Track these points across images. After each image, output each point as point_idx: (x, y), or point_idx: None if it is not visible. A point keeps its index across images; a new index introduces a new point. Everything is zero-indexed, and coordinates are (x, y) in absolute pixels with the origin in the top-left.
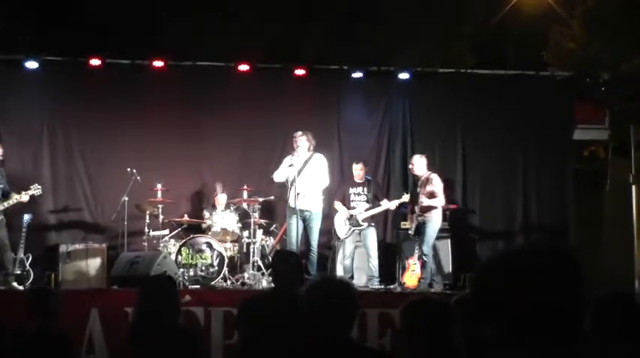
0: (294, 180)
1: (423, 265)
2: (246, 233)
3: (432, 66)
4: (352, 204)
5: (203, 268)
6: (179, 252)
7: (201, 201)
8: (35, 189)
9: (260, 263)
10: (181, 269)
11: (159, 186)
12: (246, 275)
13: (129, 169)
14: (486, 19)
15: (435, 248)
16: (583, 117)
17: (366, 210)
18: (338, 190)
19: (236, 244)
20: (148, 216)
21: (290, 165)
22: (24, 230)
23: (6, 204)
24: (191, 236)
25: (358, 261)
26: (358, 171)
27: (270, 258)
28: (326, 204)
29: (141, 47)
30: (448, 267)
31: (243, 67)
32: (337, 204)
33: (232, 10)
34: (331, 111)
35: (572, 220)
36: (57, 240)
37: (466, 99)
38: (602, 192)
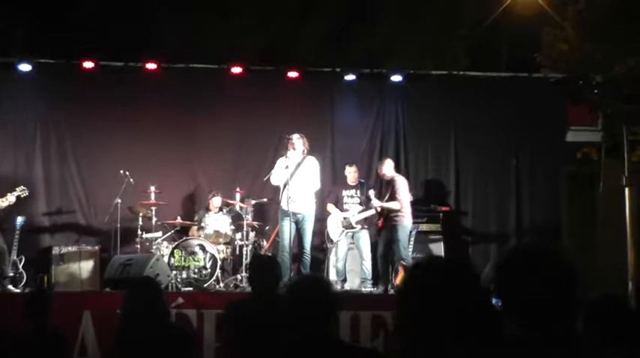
0: (286, 183)
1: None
2: (239, 235)
3: (425, 68)
4: (345, 207)
5: (196, 270)
6: (172, 254)
7: (194, 204)
8: (21, 191)
9: None
10: (174, 272)
11: (152, 188)
12: (238, 277)
13: (122, 171)
14: (479, 21)
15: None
16: (576, 119)
17: (359, 212)
18: (331, 193)
19: (229, 246)
20: (140, 219)
21: (286, 167)
22: (17, 232)
23: None
24: (184, 238)
25: (351, 264)
26: (352, 173)
27: None
28: (318, 207)
29: (134, 49)
30: None
31: (236, 70)
32: (330, 207)
33: (225, 12)
34: (324, 113)
35: (565, 222)
36: (50, 242)
37: (459, 102)
38: (595, 194)
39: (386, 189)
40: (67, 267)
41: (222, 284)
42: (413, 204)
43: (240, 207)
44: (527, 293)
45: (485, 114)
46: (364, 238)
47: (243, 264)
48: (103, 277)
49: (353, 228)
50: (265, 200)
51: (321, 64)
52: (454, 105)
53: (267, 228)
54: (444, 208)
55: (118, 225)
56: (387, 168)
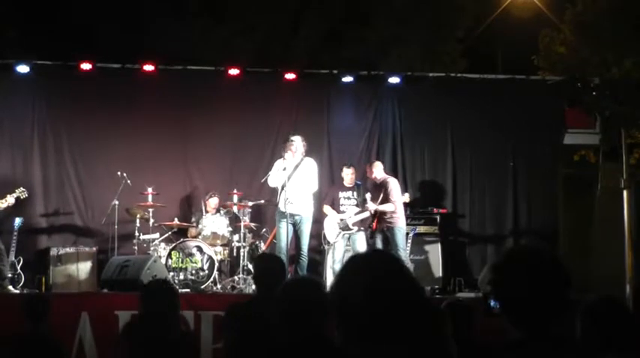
0: (284, 184)
1: None
2: (236, 237)
3: (422, 70)
4: (342, 208)
5: (193, 272)
6: (169, 255)
7: (191, 205)
8: (20, 192)
9: (250, 266)
10: (171, 273)
11: (149, 189)
12: (236, 278)
13: (119, 173)
14: (477, 23)
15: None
16: (573, 122)
17: (356, 214)
18: (327, 194)
19: (226, 248)
20: (138, 220)
21: (284, 169)
22: (15, 233)
23: None
24: (181, 240)
25: None
26: (349, 175)
27: None
28: (316, 208)
29: (131, 51)
30: (438, 271)
31: (234, 71)
32: (327, 208)
33: (223, 14)
34: (321, 115)
35: (562, 225)
36: (48, 243)
37: (456, 104)
38: (592, 197)
39: (378, 191)
40: (64, 268)
41: (219, 286)
42: (409, 206)
43: (238, 209)
44: (524, 294)
45: (482, 116)
46: (360, 240)
47: (241, 266)
48: (101, 278)
49: (349, 229)
50: (262, 201)
51: (318, 66)
52: (451, 107)
53: (264, 229)
54: (441, 210)
55: (116, 227)
56: (378, 170)
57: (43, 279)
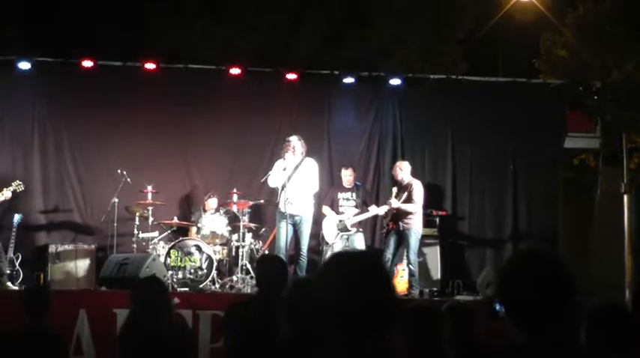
0: (284, 185)
1: (411, 273)
2: (235, 236)
3: (423, 71)
4: (341, 210)
5: (192, 271)
6: (168, 254)
7: (190, 205)
8: (17, 186)
9: (249, 266)
10: (170, 272)
11: (149, 188)
12: (234, 278)
13: (119, 171)
14: (478, 26)
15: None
16: (574, 126)
17: (355, 215)
18: (326, 195)
19: (225, 247)
20: (137, 218)
21: (284, 169)
22: (14, 230)
23: None
24: (180, 238)
25: None
26: (348, 176)
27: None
28: (315, 209)
29: (133, 49)
30: (437, 273)
31: (235, 71)
32: (325, 209)
33: (225, 13)
34: (322, 115)
35: (561, 228)
36: (46, 240)
37: (457, 106)
38: (591, 201)
39: (402, 191)
40: (63, 266)
41: (217, 285)
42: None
43: (237, 208)
44: (530, 297)
45: (483, 119)
46: (359, 241)
47: (239, 265)
48: (99, 276)
49: (348, 230)
50: (262, 201)
51: (319, 66)
52: (452, 109)
53: (263, 229)
54: (440, 212)
55: (115, 224)
56: (405, 172)
57: (42, 276)
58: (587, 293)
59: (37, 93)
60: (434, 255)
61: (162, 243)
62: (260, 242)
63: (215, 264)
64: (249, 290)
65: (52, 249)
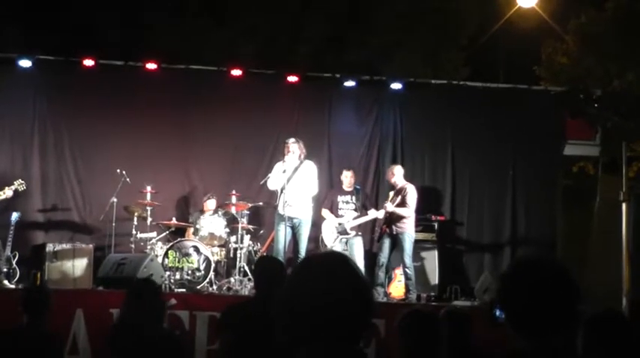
0: (283, 187)
1: (408, 277)
2: (233, 238)
3: (424, 76)
4: (340, 213)
5: (189, 272)
6: (166, 255)
7: (188, 205)
8: (19, 185)
9: (247, 268)
10: (168, 273)
11: (148, 188)
12: (232, 280)
13: (118, 170)
14: (480, 32)
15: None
16: (573, 133)
17: (354, 218)
18: (326, 198)
19: (223, 249)
20: (136, 218)
21: (283, 172)
22: (12, 228)
23: None
24: (178, 239)
25: None
26: (348, 178)
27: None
28: (315, 212)
29: (134, 49)
30: (434, 278)
31: (236, 72)
32: (325, 212)
33: (226, 14)
34: (322, 118)
35: (560, 235)
36: (44, 239)
37: (457, 111)
38: (590, 209)
39: (395, 195)
40: (60, 265)
41: (215, 287)
42: None
43: (236, 210)
44: (531, 303)
45: (483, 125)
46: (358, 245)
47: (237, 267)
48: (97, 275)
49: (347, 233)
50: (261, 203)
51: (320, 69)
52: (452, 114)
53: (261, 231)
54: (439, 217)
55: (113, 224)
56: (398, 176)
57: (39, 275)
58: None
59: (37, 92)
60: (432, 260)
61: (160, 244)
62: (258, 244)
63: (213, 265)
64: (246, 292)
65: (49, 247)
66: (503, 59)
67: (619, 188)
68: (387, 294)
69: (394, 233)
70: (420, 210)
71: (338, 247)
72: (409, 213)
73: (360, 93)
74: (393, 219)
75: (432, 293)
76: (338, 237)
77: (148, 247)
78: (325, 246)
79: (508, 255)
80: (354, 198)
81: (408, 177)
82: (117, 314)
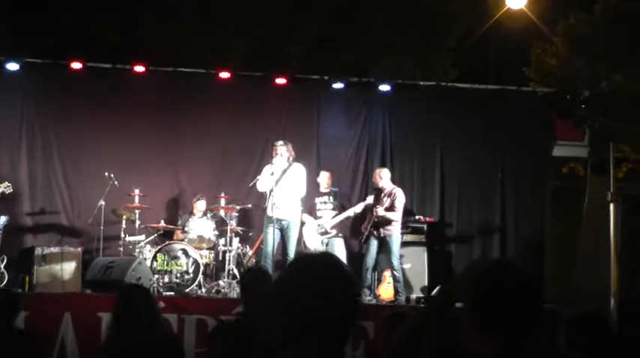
0: (272, 190)
1: (396, 279)
2: (222, 240)
3: (413, 78)
4: (319, 214)
5: (178, 275)
6: (154, 258)
7: (177, 208)
8: (5, 187)
9: (235, 271)
10: (156, 276)
11: (136, 191)
12: (221, 283)
13: (107, 174)
14: (469, 33)
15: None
16: (562, 134)
17: (333, 217)
18: (305, 202)
19: (212, 252)
20: (124, 221)
21: (271, 174)
22: (0, 232)
23: None
24: (167, 242)
25: None
26: (326, 179)
27: (245, 267)
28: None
29: (122, 52)
30: (424, 280)
31: (224, 75)
32: (304, 216)
33: (215, 17)
34: (311, 121)
35: (549, 236)
36: (32, 242)
37: (446, 113)
38: (579, 210)
39: (383, 198)
40: (49, 268)
41: (204, 290)
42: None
43: (225, 213)
44: (506, 307)
45: (472, 126)
46: (339, 245)
47: (226, 270)
48: (85, 279)
49: (328, 233)
50: (250, 206)
51: (309, 71)
52: (441, 116)
53: (250, 233)
54: (428, 219)
55: (101, 227)
56: (385, 180)
57: (27, 278)
58: (572, 301)
59: (25, 95)
60: (421, 262)
61: (148, 247)
62: (247, 246)
63: (202, 268)
64: (235, 295)
65: (38, 251)
66: (493, 60)
67: (607, 189)
68: (376, 296)
69: (381, 235)
70: (410, 212)
71: (320, 248)
72: (398, 216)
73: (349, 95)
74: (381, 222)
75: (421, 295)
76: (319, 238)
77: (137, 250)
78: (307, 247)
79: (497, 255)
80: (331, 198)
81: (397, 178)
82: (107, 317)
